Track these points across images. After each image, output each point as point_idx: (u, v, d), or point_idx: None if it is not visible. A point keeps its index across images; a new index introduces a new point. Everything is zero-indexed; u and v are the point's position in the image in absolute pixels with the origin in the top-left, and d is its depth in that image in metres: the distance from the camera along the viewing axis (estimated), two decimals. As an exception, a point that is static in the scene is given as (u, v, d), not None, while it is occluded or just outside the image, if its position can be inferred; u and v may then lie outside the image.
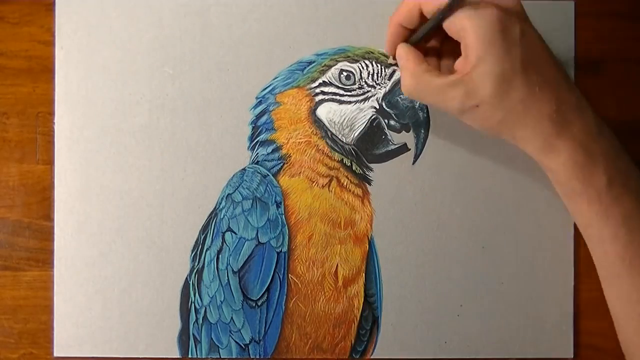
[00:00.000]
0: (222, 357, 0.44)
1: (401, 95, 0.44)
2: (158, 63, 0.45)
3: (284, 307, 0.44)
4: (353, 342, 0.45)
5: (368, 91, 0.44)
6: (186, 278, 0.44)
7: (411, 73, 0.38)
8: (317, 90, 0.45)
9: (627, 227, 0.36)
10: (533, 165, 0.45)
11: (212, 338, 0.44)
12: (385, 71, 0.44)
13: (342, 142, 0.44)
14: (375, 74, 0.44)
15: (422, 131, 0.44)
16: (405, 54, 0.39)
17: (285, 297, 0.44)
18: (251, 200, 0.44)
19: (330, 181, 0.44)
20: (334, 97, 0.44)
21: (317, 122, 0.45)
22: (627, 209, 0.36)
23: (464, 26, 0.36)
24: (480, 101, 0.36)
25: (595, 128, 0.37)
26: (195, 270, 0.44)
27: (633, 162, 0.38)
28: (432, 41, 0.41)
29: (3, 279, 0.45)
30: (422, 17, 0.38)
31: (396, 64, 0.41)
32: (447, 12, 0.36)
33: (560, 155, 0.36)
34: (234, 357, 0.44)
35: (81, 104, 0.44)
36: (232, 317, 0.44)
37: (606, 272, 0.39)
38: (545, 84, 0.36)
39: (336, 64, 0.44)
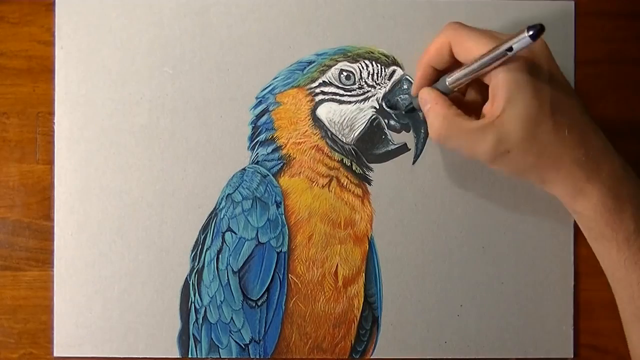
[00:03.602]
0: (222, 357, 0.44)
1: (401, 95, 0.44)
2: (158, 63, 0.45)
3: (284, 307, 0.44)
4: (353, 342, 0.45)
5: (368, 91, 0.44)
6: (186, 278, 0.44)
7: (441, 116, 0.37)
8: (317, 90, 0.45)
9: None
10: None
11: (212, 338, 0.44)
12: (385, 71, 0.44)
13: (342, 142, 0.44)
14: (375, 74, 0.44)
15: (422, 131, 0.44)
16: (432, 98, 0.38)
17: (285, 297, 0.44)
18: (251, 200, 0.44)
19: (330, 181, 0.44)
20: (334, 97, 0.45)
21: (317, 122, 0.45)
22: None
23: (494, 71, 0.35)
24: (512, 146, 0.35)
25: (622, 172, 0.37)
26: (195, 270, 0.44)
27: None
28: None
29: (3, 279, 0.45)
30: (452, 58, 0.38)
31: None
32: (496, 62, 0.35)
33: (590, 200, 0.36)
34: (234, 357, 0.44)
35: (81, 104, 0.44)
36: (232, 317, 0.44)
37: (631, 316, 0.38)
38: (573, 127, 0.36)
39: (336, 64, 0.44)
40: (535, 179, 0.37)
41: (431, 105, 0.38)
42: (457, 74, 0.37)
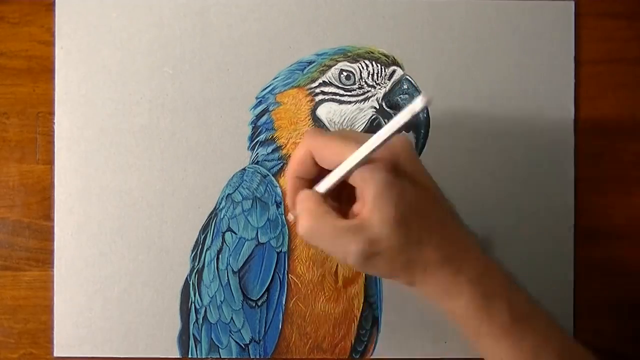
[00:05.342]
0: (222, 357, 0.44)
1: (401, 95, 0.44)
2: (158, 63, 0.45)
3: (284, 307, 0.44)
4: (353, 342, 0.45)
5: (368, 91, 0.44)
6: (186, 278, 0.44)
7: (310, 213, 0.35)
8: (317, 90, 0.45)
9: (538, 357, 0.36)
10: (533, 166, 0.45)
11: (212, 338, 0.44)
12: (385, 71, 0.44)
13: (342, 142, 0.44)
14: (375, 74, 0.44)
15: (422, 131, 0.44)
16: (305, 196, 0.36)
17: (285, 297, 0.44)
18: (251, 200, 0.44)
19: (330, 181, 0.44)
20: (334, 97, 0.45)
21: (317, 122, 0.45)
22: (536, 339, 0.36)
23: (360, 172, 0.34)
24: (382, 248, 0.34)
25: (488, 265, 0.36)
26: (195, 270, 0.44)
27: (527, 291, 0.37)
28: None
29: (3, 279, 0.45)
30: (318, 166, 0.36)
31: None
32: (359, 165, 0.34)
33: (459, 300, 0.36)
34: (234, 357, 0.44)
35: (81, 104, 0.44)
36: (232, 317, 0.44)
37: None
38: (434, 229, 0.35)
39: (336, 64, 0.44)
40: (405, 279, 0.36)
41: (302, 203, 0.36)
42: (323, 184, 0.36)
